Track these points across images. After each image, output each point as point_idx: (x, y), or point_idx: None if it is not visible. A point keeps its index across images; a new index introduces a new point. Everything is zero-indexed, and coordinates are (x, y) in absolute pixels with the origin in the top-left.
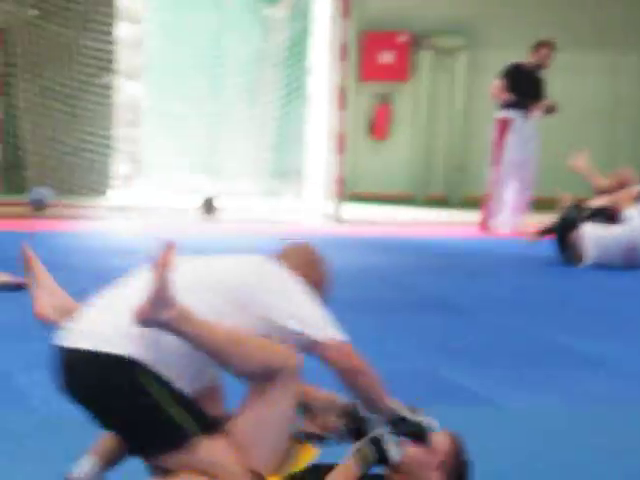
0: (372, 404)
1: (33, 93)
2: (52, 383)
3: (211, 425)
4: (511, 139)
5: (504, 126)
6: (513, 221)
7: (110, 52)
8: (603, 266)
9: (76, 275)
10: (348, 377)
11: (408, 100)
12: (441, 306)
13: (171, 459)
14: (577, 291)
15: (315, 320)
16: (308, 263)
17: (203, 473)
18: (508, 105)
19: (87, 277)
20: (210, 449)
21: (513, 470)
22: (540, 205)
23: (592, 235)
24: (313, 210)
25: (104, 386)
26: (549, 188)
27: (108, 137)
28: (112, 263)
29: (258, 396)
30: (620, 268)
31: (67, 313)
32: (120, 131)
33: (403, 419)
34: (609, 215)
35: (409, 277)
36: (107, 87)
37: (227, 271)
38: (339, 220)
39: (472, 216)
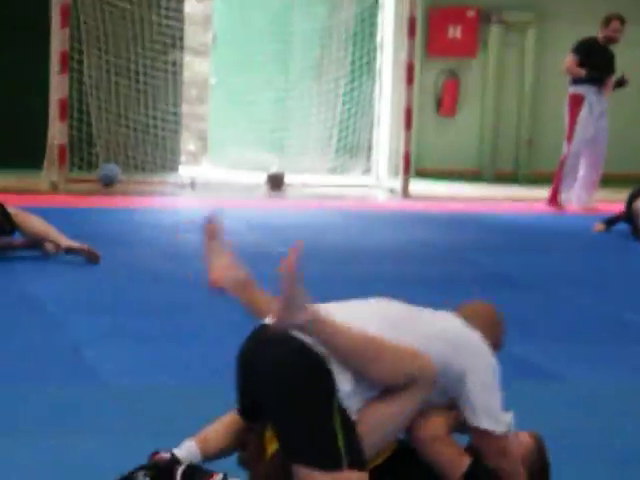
0: None
1: (100, 70)
2: (121, 356)
3: (362, 462)
4: (583, 115)
5: (576, 102)
6: (583, 197)
7: (178, 29)
8: None
9: (145, 250)
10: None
11: (476, 76)
12: (508, 282)
13: (305, 472)
14: None
15: (496, 413)
16: (490, 326)
17: None
18: (580, 80)
19: (156, 252)
20: None
21: (585, 446)
22: (609, 181)
23: None
24: (380, 186)
25: (293, 379)
26: (617, 164)
27: (176, 114)
28: (180, 239)
29: (389, 395)
30: None
31: (242, 287)
32: (187, 108)
33: None
34: None
35: (476, 253)
36: (175, 64)
37: (434, 325)
38: (406, 196)
39: (541, 192)
